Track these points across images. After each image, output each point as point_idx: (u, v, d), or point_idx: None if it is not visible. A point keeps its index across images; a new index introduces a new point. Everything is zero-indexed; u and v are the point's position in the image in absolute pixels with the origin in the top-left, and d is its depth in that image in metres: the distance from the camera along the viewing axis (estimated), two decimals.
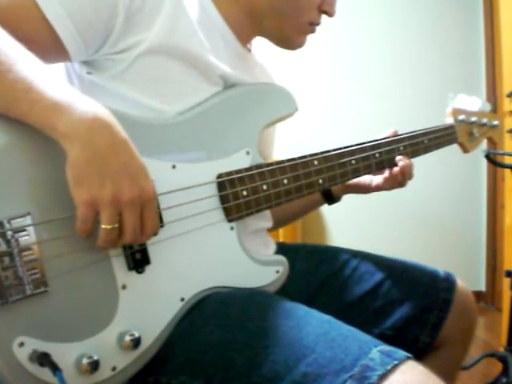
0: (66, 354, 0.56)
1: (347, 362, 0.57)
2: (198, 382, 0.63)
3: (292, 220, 1.15)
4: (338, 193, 1.06)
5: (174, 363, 0.66)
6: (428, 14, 2.85)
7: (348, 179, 0.92)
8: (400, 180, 0.99)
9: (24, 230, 0.55)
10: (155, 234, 0.65)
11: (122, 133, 0.59)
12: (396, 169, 0.97)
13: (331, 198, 1.07)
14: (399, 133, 1.05)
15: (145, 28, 0.71)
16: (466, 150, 1.21)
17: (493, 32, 2.81)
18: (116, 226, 0.57)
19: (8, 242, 0.54)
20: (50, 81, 0.58)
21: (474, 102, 1.21)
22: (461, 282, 0.98)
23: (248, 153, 0.80)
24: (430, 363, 0.60)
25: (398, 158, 0.98)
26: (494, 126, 1.24)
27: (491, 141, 1.28)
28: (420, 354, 0.91)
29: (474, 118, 1.20)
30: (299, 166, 0.84)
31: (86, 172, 0.55)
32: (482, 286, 2.94)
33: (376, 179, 1.01)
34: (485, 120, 1.22)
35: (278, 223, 1.07)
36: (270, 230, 0.98)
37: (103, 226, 0.57)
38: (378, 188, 1.02)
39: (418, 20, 2.85)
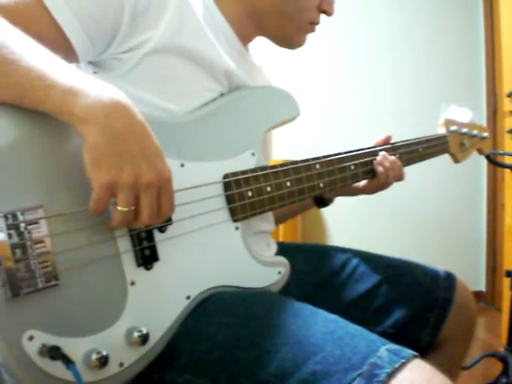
0: (75, 348, 0.56)
1: (355, 360, 0.57)
2: (204, 380, 0.63)
3: (282, 220, 1.14)
4: (329, 195, 1.06)
5: (180, 361, 0.66)
6: (428, 14, 2.86)
7: (347, 184, 0.93)
8: (383, 178, 0.96)
9: (37, 223, 0.55)
10: (169, 219, 0.66)
11: (139, 115, 0.58)
12: (375, 161, 0.96)
13: (323, 202, 1.07)
14: (400, 135, 1.05)
15: (151, 27, 0.72)
16: (456, 161, 1.24)
17: (493, 32, 2.82)
18: (133, 208, 0.58)
19: (21, 234, 0.53)
20: (62, 67, 0.58)
21: (465, 114, 1.24)
22: (461, 281, 0.98)
23: (253, 154, 0.81)
24: (431, 362, 0.60)
25: (380, 153, 0.97)
26: (484, 138, 1.28)
27: (480, 152, 1.32)
28: (421, 352, 0.91)
29: (465, 129, 1.23)
30: (302, 169, 0.85)
31: (104, 155, 0.55)
32: (481, 286, 2.94)
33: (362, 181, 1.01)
34: (475, 131, 1.25)
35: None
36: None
37: (120, 208, 0.57)
38: (364, 190, 1.01)
39: (418, 20, 2.85)
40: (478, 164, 2.83)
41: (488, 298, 2.91)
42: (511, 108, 2.15)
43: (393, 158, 0.98)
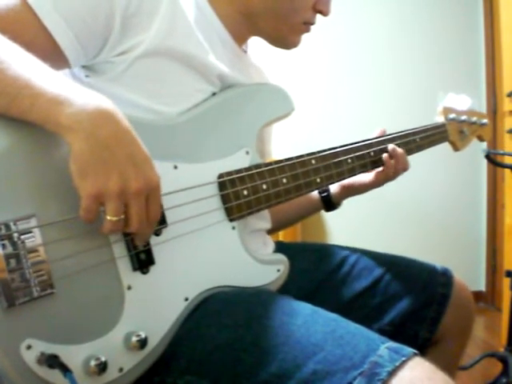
0: (74, 355, 0.56)
1: (356, 359, 0.57)
2: (205, 381, 0.63)
3: (290, 224, 1.15)
4: (338, 199, 1.07)
5: (180, 363, 0.66)
6: (428, 14, 2.85)
7: (344, 178, 0.93)
8: (392, 170, 0.98)
9: (30, 232, 0.55)
10: (165, 222, 0.65)
11: (125, 122, 0.58)
12: (385, 155, 0.98)
13: (331, 205, 1.07)
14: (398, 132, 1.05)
15: (143, 30, 0.72)
16: (456, 149, 1.23)
17: (493, 32, 2.81)
18: (122, 217, 0.57)
19: (14, 243, 0.53)
20: (49, 76, 0.57)
21: (464, 101, 1.23)
22: (457, 277, 0.98)
23: (247, 152, 0.81)
24: (429, 359, 0.60)
25: (389, 146, 0.99)
26: (483, 125, 1.26)
27: (480, 139, 1.30)
28: (419, 349, 0.91)
29: (463, 117, 1.22)
30: (297, 166, 0.85)
31: (90, 163, 0.54)
32: (482, 286, 2.94)
33: (369, 175, 1.02)
34: (474, 118, 1.24)
35: (277, 227, 1.07)
36: (269, 233, 0.99)
37: (109, 218, 0.56)
38: (373, 183, 1.02)
39: (417, 20, 2.85)
40: (478, 164, 2.83)
41: (488, 298, 2.91)
42: (511, 108, 2.15)
43: (395, 146, 0.99)
